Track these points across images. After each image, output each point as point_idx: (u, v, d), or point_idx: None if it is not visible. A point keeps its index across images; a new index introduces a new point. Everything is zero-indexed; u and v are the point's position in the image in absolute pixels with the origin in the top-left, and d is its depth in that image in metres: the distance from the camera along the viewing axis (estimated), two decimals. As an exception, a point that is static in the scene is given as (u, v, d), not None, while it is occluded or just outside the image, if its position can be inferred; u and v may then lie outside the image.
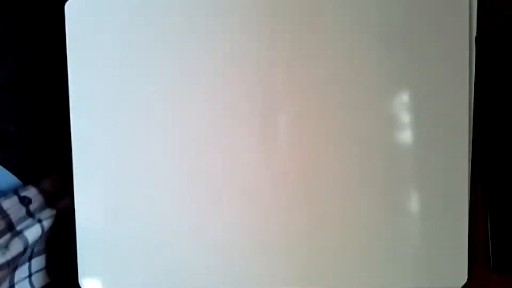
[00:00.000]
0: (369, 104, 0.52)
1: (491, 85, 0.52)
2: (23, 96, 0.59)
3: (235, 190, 0.54)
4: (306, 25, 0.52)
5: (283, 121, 0.53)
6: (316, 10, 0.52)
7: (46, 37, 0.59)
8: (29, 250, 0.56)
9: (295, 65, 0.52)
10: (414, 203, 0.53)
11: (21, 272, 0.57)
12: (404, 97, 0.52)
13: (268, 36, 0.52)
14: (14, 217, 0.55)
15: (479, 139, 0.53)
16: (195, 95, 0.53)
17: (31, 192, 0.57)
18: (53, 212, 0.58)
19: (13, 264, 0.54)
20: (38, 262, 0.59)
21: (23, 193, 0.56)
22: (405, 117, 0.52)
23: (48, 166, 0.59)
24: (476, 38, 0.52)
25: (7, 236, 0.54)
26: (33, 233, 0.55)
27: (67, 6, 0.54)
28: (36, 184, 0.58)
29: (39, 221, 0.56)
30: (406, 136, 0.52)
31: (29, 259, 0.57)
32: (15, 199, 0.56)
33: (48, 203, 0.58)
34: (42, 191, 0.58)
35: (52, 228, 0.57)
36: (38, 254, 0.58)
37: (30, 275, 0.58)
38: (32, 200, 0.57)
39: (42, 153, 0.60)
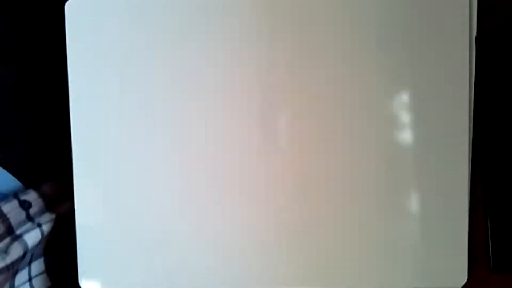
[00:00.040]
0: (369, 104, 0.52)
1: (491, 85, 0.52)
2: (23, 97, 0.59)
3: (235, 190, 0.54)
4: (306, 25, 0.52)
5: (283, 121, 0.53)
6: (316, 10, 0.52)
7: (46, 38, 0.58)
8: (28, 255, 0.56)
9: (294, 65, 0.52)
10: (414, 203, 0.53)
11: (21, 276, 0.56)
12: (404, 97, 0.52)
13: (268, 36, 0.52)
14: (14, 221, 0.55)
15: (479, 139, 0.53)
16: (194, 95, 0.53)
17: (31, 196, 0.57)
18: (53, 216, 0.57)
19: (13, 269, 0.54)
20: (38, 266, 0.58)
21: (23, 197, 0.56)
22: (405, 117, 0.52)
23: (48, 168, 0.59)
24: (476, 38, 0.52)
25: (7, 240, 0.54)
26: (32, 237, 0.55)
27: (67, 6, 0.53)
28: (36, 188, 0.58)
29: (39, 225, 0.56)
30: (406, 136, 0.52)
31: (29, 263, 0.57)
32: (15, 203, 0.55)
33: (48, 207, 0.58)
34: (42, 195, 0.58)
35: (52, 232, 0.57)
36: (38, 258, 0.58)
37: (30, 279, 0.57)
38: (32, 204, 0.57)
39: (42, 154, 0.60)
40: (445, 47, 0.51)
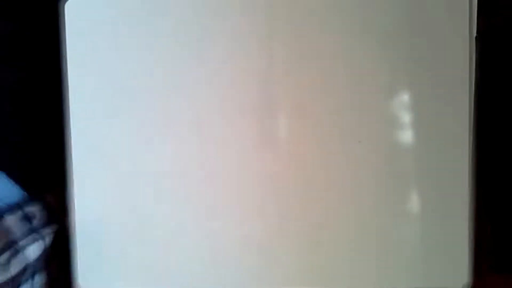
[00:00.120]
0: (369, 104, 0.52)
1: (491, 84, 0.52)
2: (25, 102, 0.59)
3: (234, 189, 0.53)
4: (306, 25, 0.52)
5: (282, 121, 0.53)
6: (316, 10, 0.52)
7: (45, 39, 0.59)
8: (31, 267, 0.56)
9: (294, 65, 0.52)
10: (415, 204, 0.52)
11: None
12: (404, 97, 0.52)
13: (268, 35, 0.52)
14: (17, 233, 0.55)
15: (480, 139, 0.53)
16: (194, 95, 0.53)
17: (34, 208, 0.57)
18: (55, 227, 0.57)
19: (14, 282, 0.54)
20: (40, 278, 0.58)
21: (27, 209, 0.56)
22: (406, 117, 0.52)
23: (53, 177, 0.59)
24: (476, 37, 0.52)
25: (9, 253, 0.54)
26: (35, 249, 0.55)
27: (66, 7, 0.54)
28: (40, 198, 0.58)
29: (41, 237, 0.56)
30: (406, 136, 0.52)
31: (32, 276, 0.57)
32: (19, 214, 0.56)
33: (51, 217, 0.58)
34: (46, 206, 0.58)
35: (54, 243, 0.57)
36: (41, 270, 0.58)
37: None
38: (36, 216, 0.57)
39: (47, 163, 0.60)
40: (445, 47, 0.51)
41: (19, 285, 0.55)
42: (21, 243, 0.55)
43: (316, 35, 0.52)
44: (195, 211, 0.54)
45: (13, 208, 0.56)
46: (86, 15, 0.54)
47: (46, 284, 0.59)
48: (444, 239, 0.52)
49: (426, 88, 0.51)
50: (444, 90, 0.51)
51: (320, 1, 0.52)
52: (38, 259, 0.56)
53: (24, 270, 0.54)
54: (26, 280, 0.56)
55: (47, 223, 0.58)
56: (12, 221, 0.55)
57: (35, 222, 0.57)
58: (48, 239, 0.56)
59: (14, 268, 0.53)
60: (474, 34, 0.51)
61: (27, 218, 0.56)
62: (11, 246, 0.54)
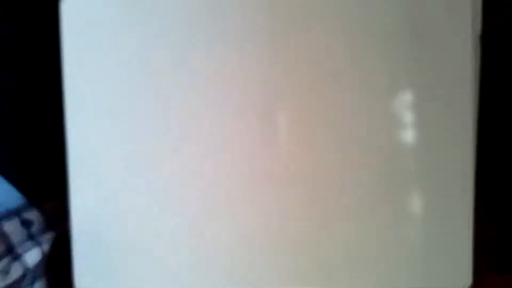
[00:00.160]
0: (372, 104, 0.52)
1: (495, 84, 0.52)
2: (23, 104, 0.58)
3: (235, 189, 0.53)
4: (307, 24, 0.52)
5: (284, 121, 0.52)
6: (317, 9, 0.52)
7: (44, 40, 0.58)
8: (30, 274, 0.55)
9: (296, 64, 0.52)
10: (418, 204, 0.52)
11: None
12: (407, 97, 0.52)
13: (269, 35, 0.52)
14: (15, 239, 0.55)
15: (483, 139, 0.53)
16: (193, 94, 0.53)
17: (33, 214, 0.57)
18: (53, 234, 0.57)
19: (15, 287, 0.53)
20: (40, 285, 0.58)
21: (25, 216, 0.56)
22: (409, 118, 0.52)
23: (53, 184, 0.58)
24: (480, 37, 0.52)
25: (8, 259, 0.53)
26: (33, 256, 0.55)
27: (63, 6, 0.53)
28: (39, 204, 0.57)
29: (39, 244, 0.56)
30: (408, 136, 0.52)
31: (32, 283, 0.56)
32: (17, 221, 0.55)
33: (49, 224, 0.58)
34: (44, 213, 0.57)
35: (53, 250, 0.57)
36: (40, 276, 0.57)
37: None
38: (34, 222, 0.56)
39: (47, 169, 0.59)
40: (448, 47, 0.51)
41: None
42: (20, 249, 0.54)
43: (319, 34, 0.52)
44: (194, 211, 0.53)
45: (12, 213, 0.55)
46: (83, 15, 0.53)
47: None
48: (445, 239, 0.52)
49: (428, 88, 0.51)
50: (447, 90, 0.51)
51: (323, 2, 0.51)
52: (37, 266, 0.56)
53: (23, 276, 0.54)
54: (26, 286, 0.56)
55: (46, 229, 0.57)
56: (11, 227, 0.54)
57: (34, 228, 0.56)
58: (46, 245, 0.56)
59: (14, 274, 0.52)
60: (478, 33, 0.51)
61: (26, 224, 0.56)
62: (10, 252, 0.54)
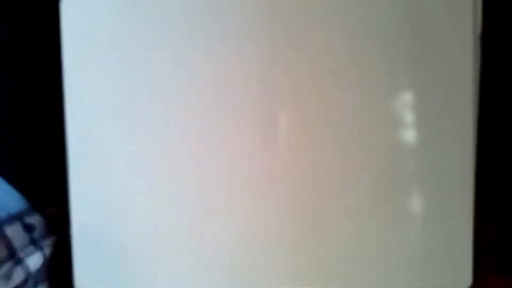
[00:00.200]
0: (372, 104, 0.52)
1: (496, 85, 0.52)
2: (25, 106, 0.59)
3: (234, 189, 0.53)
4: (307, 24, 0.52)
5: (284, 121, 0.52)
6: (317, 9, 0.52)
7: (44, 41, 0.58)
8: (31, 279, 0.55)
9: (296, 64, 0.52)
10: (418, 205, 0.52)
11: None
12: (408, 97, 0.52)
13: (269, 34, 0.52)
14: (17, 244, 0.54)
15: (484, 139, 0.52)
16: (193, 94, 0.53)
17: (35, 218, 0.57)
18: (55, 239, 0.57)
19: None
20: None
21: (27, 220, 0.56)
22: (409, 118, 0.52)
23: (55, 188, 0.58)
24: (480, 37, 0.52)
25: (10, 264, 0.53)
26: (35, 261, 0.55)
27: (63, 5, 0.53)
28: (41, 208, 0.57)
29: (41, 248, 0.56)
30: (408, 136, 0.52)
31: (34, 287, 0.56)
32: (19, 225, 0.55)
33: (51, 229, 0.58)
34: (46, 217, 0.57)
35: (55, 254, 0.57)
36: (42, 281, 0.57)
37: None
38: (36, 227, 0.56)
39: (50, 173, 0.59)
40: (449, 47, 0.51)
41: None
42: (22, 253, 0.54)
43: (318, 34, 0.52)
44: (194, 211, 0.53)
45: (14, 218, 0.55)
46: (83, 15, 0.53)
47: None
48: (447, 240, 0.52)
49: (428, 88, 0.51)
50: (447, 90, 0.51)
51: (323, 1, 0.51)
52: (39, 270, 0.55)
53: (25, 281, 0.54)
54: None
55: (47, 234, 0.57)
56: (13, 231, 0.54)
57: (36, 233, 0.56)
58: (48, 250, 0.56)
59: (16, 279, 0.52)
60: (478, 33, 0.51)
61: (28, 229, 0.56)
62: (12, 257, 0.54)
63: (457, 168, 0.52)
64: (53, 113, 0.56)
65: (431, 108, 0.51)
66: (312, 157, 0.52)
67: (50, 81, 0.57)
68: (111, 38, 0.53)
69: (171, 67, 0.53)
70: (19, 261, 0.54)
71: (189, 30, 0.52)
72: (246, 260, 0.53)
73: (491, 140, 0.52)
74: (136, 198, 0.54)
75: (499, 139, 0.52)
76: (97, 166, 0.54)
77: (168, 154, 0.53)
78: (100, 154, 0.54)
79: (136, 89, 0.53)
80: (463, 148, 0.52)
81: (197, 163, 0.53)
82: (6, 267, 0.53)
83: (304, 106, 0.52)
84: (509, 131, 0.53)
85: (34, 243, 0.56)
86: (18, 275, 0.53)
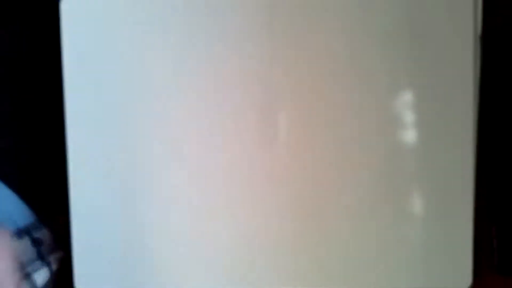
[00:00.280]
0: (372, 104, 0.52)
1: (495, 84, 0.52)
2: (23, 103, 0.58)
3: (234, 189, 0.53)
4: (307, 24, 0.52)
5: (284, 121, 0.52)
6: (317, 8, 0.52)
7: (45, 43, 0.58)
8: None
9: (296, 64, 0.52)
10: (418, 205, 0.52)
11: None
12: (408, 97, 0.52)
13: (269, 34, 0.52)
14: (25, 258, 0.54)
15: (484, 139, 0.52)
16: (193, 94, 0.53)
17: (43, 232, 0.57)
18: (62, 254, 0.57)
19: None
20: None
21: (35, 234, 0.56)
22: (409, 118, 0.52)
23: (60, 196, 0.58)
24: (481, 37, 0.52)
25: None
26: (42, 276, 0.55)
27: (63, 6, 0.53)
28: (49, 223, 0.57)
29: (48, 264, 0.56)
30: (409, 136, 0.52)
31: None
32: (27, 240, 0.55)
33: (58, 243, 0.58)
34: (53, 231, 0.57)
35: (62, 268, 0.57)
36: None
37: None
38: (43, 241, 0.56)
39: (58, 186, 0.59)
40: (449, 47, 0.51)
41: None
42: (29, 268, 0.54)
43: (318, 34, 0.52)
44: (194, 211, 0.53)
45: (22, 232, 0.55)
46: (83, 15, 0.53)
47: None
48: (447, 240, 0.52)
49: (428, 88, 0.51)
50: (447, 90, 0.51)
51: (321, 1, 0.51)
52: (45, 286, 0.55)
53: None
54: None
55: (54, 249, 0.57)
56: (21, 246, 0.54)
57: (43, 248, 0.56)
58: (55, 266, 0.56)
59: None
60: (478, 33, 0.51)
61: (36, 243, 0.55)
62: (20, 271, 0.53)
63: (457, 168, 0.52)
64: (54, 116, 0.56)
65: (431, 108, 0.51)
66: (312, 157, 0.52)
67: (48, 79, 0.57)
68: (111, 38, 0.53)
69: (171, 67, 0.53)
70: (27, 276, 0.53)
71: (189, 30, 0.52)
72: (246, 260, 0.53)
73: (491, 140, 0.52)
74: (136, 199, 0.54)
75: (499, 139, 0.52)
76: (97, 166, 0.54)
77: (168, 154, 0.53)
78: (100, 154, 0.54)
79: (136, 89, 0.53)
80: (463, 148, 0.52)
81: (197, 163, 0.53)
82: None
83: (304, 106, 0.52)
84: (509, 131, 0.52)
85: (41, 258, 0.56)
86: None
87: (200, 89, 0.53)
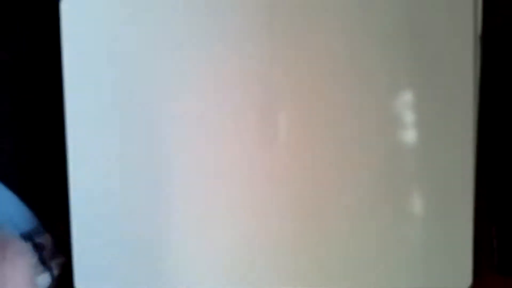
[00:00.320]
0: (372, 104, 0.52)
1: (495, 84, 0.52)
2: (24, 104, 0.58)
3: (234, 189, 0.53)
4: (307, 24, 0.52)
5: (284, 121, 0.52)
6: (317, 9, 0.52)
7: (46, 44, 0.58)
8: None
9: (296, 64, 0.52)
10: (418, 205, 0.52)
11: None
12: (408, 97, 0.52)
13: (269, 34, 0.52)
14: None
15: (484, 139, 0.52)
16: (193, 94, 0.53)
17: (45, 238, 0.57)
18: (63, 259, 0.57)
19: None
20: None
21: (37, 240, 0.56)
22: (409, 117, 0.52)
23: (62, 202, 0.58)
24: (481, 37, 0.52)
25: None
26: (44, 281, 0.55)
27: (63, 6, 0.53)
28: (50, 228, 0.57)
29: (50, 269, 0.56)
30: (409, 136, 0.52)
31: None
32: (30, 245, 0.55)
33: (59, 248, 0.58)
34: (55, 236, 0.57)
35: (63, 275, 0.57)
36: None
37: None
38: (45, 247, 0.56)
39: (60, 191, 0.59)
40: (449, 47, 0.51)
41: None
42: None
43: (318, 34, 0.52)
44: (194, 211, 0.53)
45: (25, 237, 0.55)
46: (83, 15, 0.53)
47: None
48: (448, 240, 0.52)
49: (428, 88, 0.51)
50: (447, 90, 0.51)
51: (323, 1, 0.51)
52: None
53: None
54: None
55: (56, 254, 0.57)
56: None
57: (45, 253, 0.56)
58: (56, 271, 0.56)
59: None
60: (478, 33, 0.51)
61: (38, 248, 0.55)
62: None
63: (457, 168, 0.52)
64: (54, 116, 0.56)
65: (431, 108, 0.51)
66: (312, 157, 0.52)
67: (48, 79, 0.57)
68: (111, 38, 0.53)
69: (171, 67, 0.53)
70: None
71: (189, 30, 0.52)
72: (246, 260, 0.53)
73: (491, 140, 0.52)
74: (136, 199, 0.54)
75: (499, 139, 0.52)
76: (97, 166, 0.54)
77: (168, 154, 0.53)
78: (100, 154, 0.54)
79: (136, 90, 0.53)
80: (463, 148, 0.52)
81: (197, 163, 0.53)
82: None
83: (304, 106, 0.52)
84: (509, 131, 0.52)
85: (43, 263, 0.56)
86: None
87: (200, 89, 0.53)
